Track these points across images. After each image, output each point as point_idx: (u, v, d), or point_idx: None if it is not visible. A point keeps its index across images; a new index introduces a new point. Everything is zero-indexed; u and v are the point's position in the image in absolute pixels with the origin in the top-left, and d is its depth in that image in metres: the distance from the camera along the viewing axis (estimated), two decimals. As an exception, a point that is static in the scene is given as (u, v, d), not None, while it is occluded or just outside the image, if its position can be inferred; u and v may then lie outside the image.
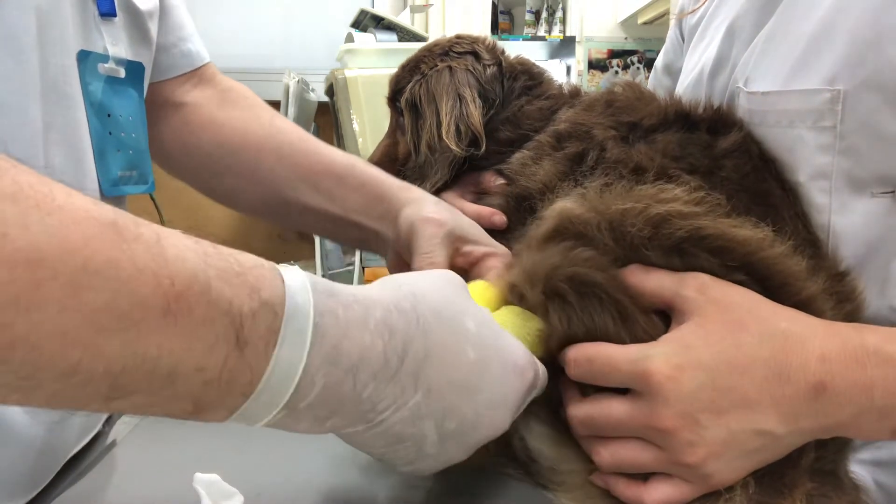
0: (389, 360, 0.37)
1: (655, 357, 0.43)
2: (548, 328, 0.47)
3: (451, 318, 0.40)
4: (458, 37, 0.77)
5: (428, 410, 0.38)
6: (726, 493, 0.43)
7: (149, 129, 0.69)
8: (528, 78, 0.73)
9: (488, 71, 0.73)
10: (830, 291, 0.47)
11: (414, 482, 0.52)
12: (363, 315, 0.36)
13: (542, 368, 0.45)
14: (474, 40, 0.76)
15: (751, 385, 0.42)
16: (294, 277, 0.35)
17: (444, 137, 0.69)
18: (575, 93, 0.72)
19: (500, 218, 0.65)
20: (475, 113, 0.70)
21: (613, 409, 0.44)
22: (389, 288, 0.40)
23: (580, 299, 0.45)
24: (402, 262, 0.64)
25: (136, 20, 0.64)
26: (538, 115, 0.69)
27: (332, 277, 2.13)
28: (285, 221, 0.74)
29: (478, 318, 0.41)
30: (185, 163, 0.74)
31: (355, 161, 0.69)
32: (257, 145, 0.71)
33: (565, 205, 0.50)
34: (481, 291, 0.51)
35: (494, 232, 0.65)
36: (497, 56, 0.75)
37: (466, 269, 0.61)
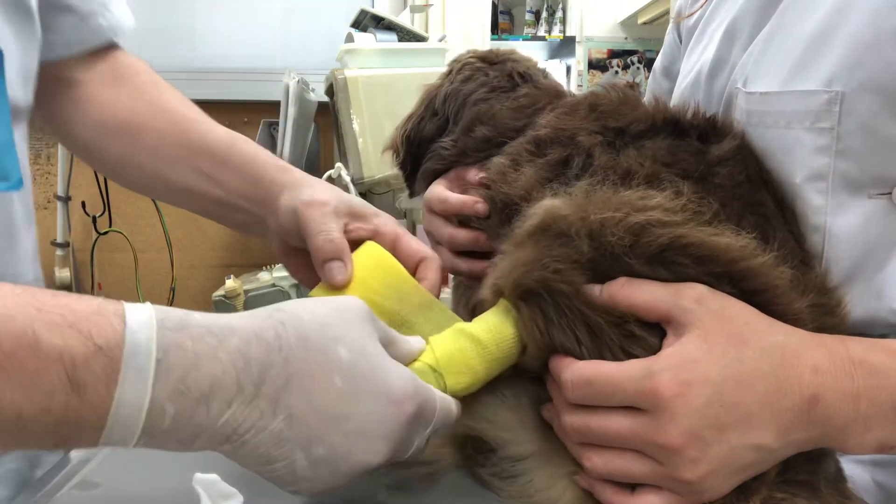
0: (244, 388, 0.38)
1: (661, 373, 0.42)
2: (522, 329, 0.47)
3: (320, 346, 0.40)
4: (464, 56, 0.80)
5: (292, 435, 0.39)
6: None
7: (46, 107, 0.67)
8: (501, 77, 0.74)
9: (443, 89, 0.76)
10: (815, 304, 0.47)
11: (414, 482, 0.52)
12: (215, 345, 0.38)
13: (443, 403, 0.44)
14: (457, 59, 0.79)
15: (753, 400, 0.42)
16: (137, 316, 0.37)
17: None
18: (556, 94, 0.72)
19: (482, 206, 0.66)
20: (397, 131, 0.78)
21: (613, 422, 0.44)
22: (260, 316, 0.41)
23: (554, 308, 0.46)
24: (289, 248, 0.63)
25: None
26: (510, 116, 0.70)
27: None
28: (173, 202, 0.72)
29: (355, 347, 0.41)
30: (78, 141, 0.73)
31: (236, 139, 0.67)
32: (139, 125, 0.70)
33: (553, 202, 0.49)
34: (369, 251, 0.55)
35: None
36: (465, 68, 0.77)
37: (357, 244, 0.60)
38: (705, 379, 0.42)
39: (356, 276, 0.55)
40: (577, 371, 0.45)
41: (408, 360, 0.46)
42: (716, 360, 0.42)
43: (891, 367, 0.43)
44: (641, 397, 0.42)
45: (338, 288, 0.54)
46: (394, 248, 0.60)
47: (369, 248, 0.57)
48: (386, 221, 0.62)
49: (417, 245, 0.61)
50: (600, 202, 0.48)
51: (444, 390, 0.46)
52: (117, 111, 0.70)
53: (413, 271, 0.60)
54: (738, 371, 0.42)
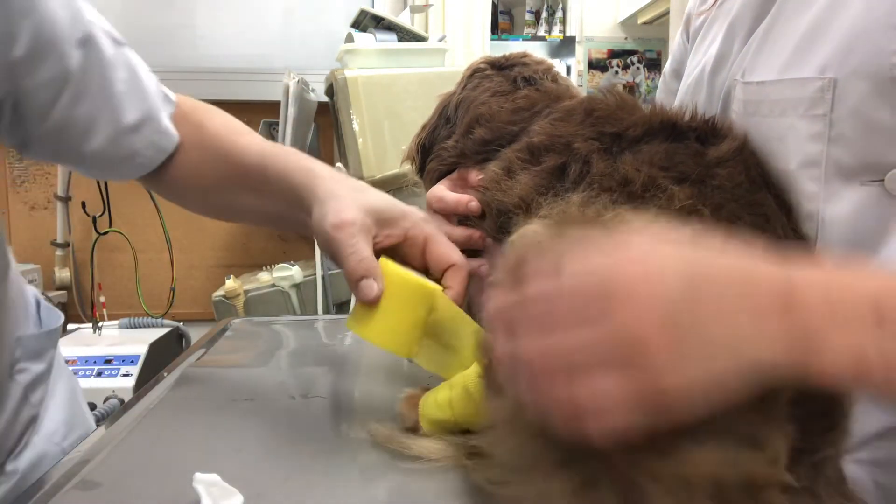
0: None
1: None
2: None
3: None
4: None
5: None
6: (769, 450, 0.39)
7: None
8: (504, 82, 0.75)
9: (455, 98, 0.77)
10: None
11: (414, 482, 0.52)
12: None
13: None
14: (469, 66, 0.80)
15: (724, 277, 0.35)
16: None
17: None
18: (555, 97, 0.71)
19: (475, 205, 0.67)
20: (413, 140, 0.79)
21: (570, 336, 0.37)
22: None
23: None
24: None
25: None
26: (508, 118, 0.70)
27: (333, 277, 2.13)
28: (244, 222, 0.78)
29: None
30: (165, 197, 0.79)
31: (265, 153, 0.69)
32: (199, 175, 0.73)
33: (528, 228, 0.49)
34: (385, 270, 0.57)
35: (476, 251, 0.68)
36: (475, 75, 0.77)
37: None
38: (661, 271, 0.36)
39: (387, 292, 0.56)
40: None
41: None
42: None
43: (863, 271, 0.38)
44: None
45: (371, 304, 0.55)
46: (422, 254, 0.61)
47: (383, 266, 0.57)
48: (414, 223, 0.62)
49: (446, 249, 0.61)
50: (589, 220, 0.47)
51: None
52: (182, 174, 0.74)
53: (439, 277, 0.60)
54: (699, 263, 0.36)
